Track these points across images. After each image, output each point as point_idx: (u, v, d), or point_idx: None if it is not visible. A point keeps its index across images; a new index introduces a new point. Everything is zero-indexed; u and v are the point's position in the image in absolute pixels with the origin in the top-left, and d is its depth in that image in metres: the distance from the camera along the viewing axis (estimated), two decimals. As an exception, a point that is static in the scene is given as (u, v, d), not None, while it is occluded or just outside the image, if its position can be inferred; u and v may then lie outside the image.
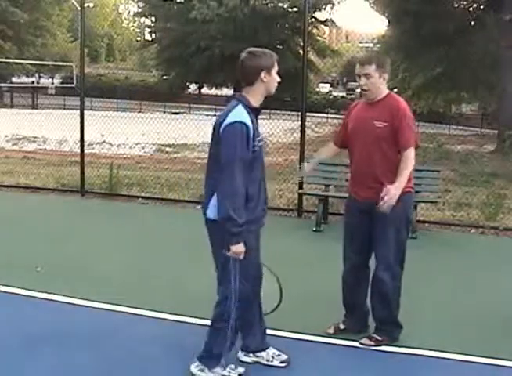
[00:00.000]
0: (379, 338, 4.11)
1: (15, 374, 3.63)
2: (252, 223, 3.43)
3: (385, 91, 4.05)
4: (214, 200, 3.39)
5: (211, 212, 3.41)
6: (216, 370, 3.56)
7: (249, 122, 3.34)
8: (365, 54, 4.64)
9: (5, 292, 4.98)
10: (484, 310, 4.87)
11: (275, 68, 3.49)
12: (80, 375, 3.67)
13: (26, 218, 7.85)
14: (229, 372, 3.59)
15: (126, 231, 7.34)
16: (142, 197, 9.25)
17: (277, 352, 3.83)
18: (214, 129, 3.43)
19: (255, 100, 3.47)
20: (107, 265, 5.81)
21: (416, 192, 7.51)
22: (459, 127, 32.97)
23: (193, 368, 3.60)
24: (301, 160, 8.21)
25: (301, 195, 8.32)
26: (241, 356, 3.82)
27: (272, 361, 3.79)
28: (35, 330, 4.22)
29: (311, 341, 4.19)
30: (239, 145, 3.29)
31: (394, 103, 4.00)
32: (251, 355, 3.81)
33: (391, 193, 3.75)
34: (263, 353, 3.81)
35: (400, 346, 4.10)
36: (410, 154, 3.90)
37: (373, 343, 4.10)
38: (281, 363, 3.79)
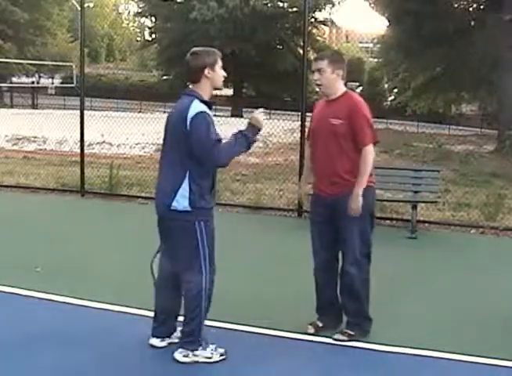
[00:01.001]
0: (351, 333, 4.16)
1: (15, 374, 3.63)
2: (213, 209, 3.80)
3: (342, 89, 4.19)
4: (181, 191, 3.64)
5: (178, 204, 3.66)
6: (199, 352, 3.77)
7: (209, 112, 3.68)
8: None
9: (5, 292, 4.98)
10: (483, 310, 4.88)
11: (219, 64, 3.80)
12: (79, 375, 3.67)
13: (26, 218, 7.85)
14: (212, 353, 3.79)
15: (126, 231, 7.35)
16: (142, 197, 9.25)
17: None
18: (170, 125, 3.75)
19: (205, 95, 3.75)
20: (107, 265, 5.81)
21: (416, 192, 7.58)
22: (459, 127, 33.00)
23: (178, 355, 3.78)
24: (301, 160, 8.22)
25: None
26: (156, 342, 3.98)
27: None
28: (35, 330, 4.22)
29: (310, 341, 4.19)
30: (212, 128, 3.62)
31: (350, 100, 4.13)
32: (167, 339, 3.99)
33: (354, 200, 3.99)
34: (175, 333, 4.01)
35: (399, 346, 4.10)
36: (368, 152, 4.05)
37: (346, 338, 4.14)
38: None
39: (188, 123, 3.60)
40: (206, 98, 3.75)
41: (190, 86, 3.83)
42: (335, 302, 4.33)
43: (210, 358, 3.79)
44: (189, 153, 3.62)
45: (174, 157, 3.70)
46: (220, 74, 3.80)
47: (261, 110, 3.85)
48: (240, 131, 3.73)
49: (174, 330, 4.03)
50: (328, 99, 4.22)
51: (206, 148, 3.59)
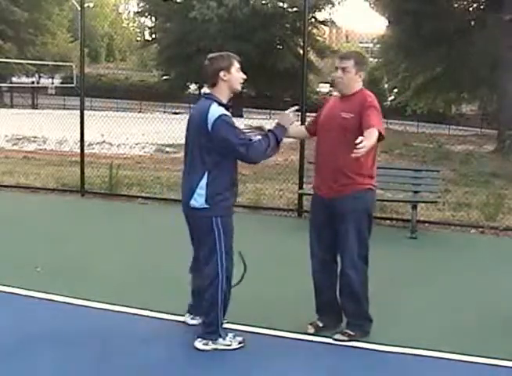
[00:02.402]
0: (352, 333, 4.16)
1: (15, 374, 3.63)
2: (233, 206, 3.98)
3: (359, 87, 4.17)
4: (199, 190, 3.83)
5: (196, 202, 3.86)
6: (219, 341, 3.96)
7: (229, 114, 3.84)
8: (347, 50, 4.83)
9: (5, 292, 4.98)
10: (483, 310, 4.88)
11: (236, 66, 3.93)
12: (79, 375, 3.67)
13: (26, 218, 7.85)
14: (230, 341, 3.99)
15: (126, 231, 7.35)
16: (142, 197, 9.26)
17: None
18: (191, 127, 3.92)
19: (223, 98, 3.91)
20: (107, 265, 5.81)
21: (416, 192, 7.58)
22: (459, 127, 32.98)
23: (198, 343, 3.97)
24: (301, 160, 8.22)
25: (301, 195, 8.32)
26: (188, 319, 4.29)
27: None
28: (35, 330, 4.22)
29: (310, 340, 4.19)
30: (236, 129, 3.80)
31: (364, 96, 4.11)
32: (197, 318, 4.22)
33: (366, 138, 3.73)
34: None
35: (399, 346, 4.10)
36: (374, 131, 3.83)
37: (346, 338, 4.14)
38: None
39: (210, 125, 3.75)
40: (224, 101, 3.91)
41: (207, 90, 4.00)
42: (334, 303, 4.33)
43: (229, 345, 3.98)
44: (209, 152, 3.81)
45: (195, 157, 3.88)
46: (237, 76, 3.93)
47: (293, 108, 4.07)
48: (270, 131, 3.93)
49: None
50: (342, 96, 4.20)
51: (237, 149, 3.76)
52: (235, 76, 3.91)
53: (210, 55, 3.99)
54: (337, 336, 4.17)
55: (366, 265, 4.18)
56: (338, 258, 4.28)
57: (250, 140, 3.83)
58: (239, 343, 4.00)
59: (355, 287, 4.13)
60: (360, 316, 4.21)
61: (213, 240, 3.87)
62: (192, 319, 4.29)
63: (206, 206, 3.84)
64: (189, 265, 4.25)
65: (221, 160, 3.83)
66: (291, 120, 4.02)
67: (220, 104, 3.84)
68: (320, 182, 4.23)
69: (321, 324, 4.32)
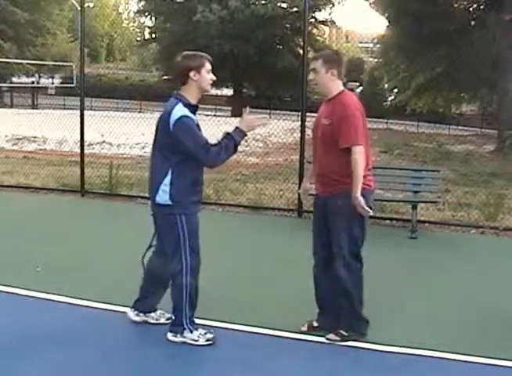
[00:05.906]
0: (344, 334, 4.15)
1: (15, 374, 3.63)
2: (198, 204, 4.08)
3: (338, 88, 4.14)
4: (163, 186, 3.90)
5: (160, 198, 3.93)
6: (186, 334, 4.03)
7: (192, 116, 3.89)
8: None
9: (5, 292, 4.98)
10: (484, 310, 4.88)
11: (206, 68, 3.97)
12: (80, 375, 3.67)
13: (26, 218, 7.85)
14: (199, 337, 4.03)
15: (126, 231, 7.34)
16: (142, 197, 9.24)
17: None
18: (158, 125, 3.97)
19: (191, 97, 3.97)
20: (107, 265, 5.81)
21: (416, 192, 7.58)
22: (459, 127, 32.96)
23: (169, 334, 4.09)
24: (301, 160, 8.22)
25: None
26: (132, 314, 4.35)
27: (159, 320, 4.34)
28: (34, 330, 4.22)
29: (310, 341, 4.19)
30: (196, 132, 3.85)
31: (341, 100, 4.08)
32: (141, 315, 4.34)
33: (353, 203, 3.94)
34: (152, 314, 4.35)
35: (400, 346, 4.10)
36: (356, 154, 3.95)
37: (338, 338, 4.14)
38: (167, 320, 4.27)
39: (171, 126, 3.83)
40: (193, 100, 3.96)
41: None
42: (332, 304, 4.30)
43: (196, 341, 4.02)
44: (172, 151, 3.88)
45: (160, 154, 3.96)
46: (206, 77, 3.97)
47: (248, 111, 4.00)
48: (229, 134, 3.92)
49: (154, 310, 4.34)
50: (326, 98, 4.21)
51: (194, 152, 3.83)
52: (204, 77, 3.95)
53: (184, 53, 4.04)
54: (330, 336, 4.16)
55: (360, 263, 4.16)
56: None
57: (207, 143, 3.85)
58: (207, 340, 4.02)
59: (345, 286, 4.11)
60: (351, 316, 4.17)
61: (177, 237, 3.95)
62: (136, 315, 4.36)
63: (169, 203, 3.91)
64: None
65: (184, 159, 3.88)
66: (252, 124, 3.96)
67: (186, 105, 3.90)
68: (315, 182, 4.30)
69: (315, 324, 4.31)
